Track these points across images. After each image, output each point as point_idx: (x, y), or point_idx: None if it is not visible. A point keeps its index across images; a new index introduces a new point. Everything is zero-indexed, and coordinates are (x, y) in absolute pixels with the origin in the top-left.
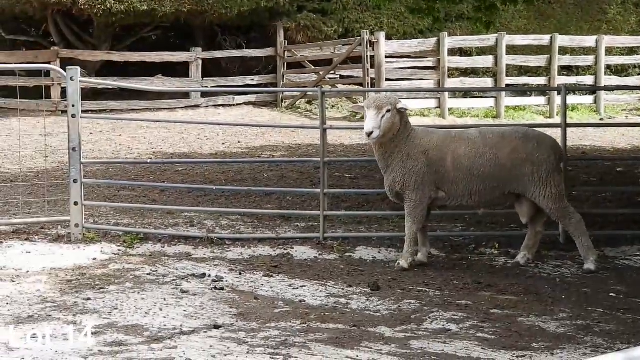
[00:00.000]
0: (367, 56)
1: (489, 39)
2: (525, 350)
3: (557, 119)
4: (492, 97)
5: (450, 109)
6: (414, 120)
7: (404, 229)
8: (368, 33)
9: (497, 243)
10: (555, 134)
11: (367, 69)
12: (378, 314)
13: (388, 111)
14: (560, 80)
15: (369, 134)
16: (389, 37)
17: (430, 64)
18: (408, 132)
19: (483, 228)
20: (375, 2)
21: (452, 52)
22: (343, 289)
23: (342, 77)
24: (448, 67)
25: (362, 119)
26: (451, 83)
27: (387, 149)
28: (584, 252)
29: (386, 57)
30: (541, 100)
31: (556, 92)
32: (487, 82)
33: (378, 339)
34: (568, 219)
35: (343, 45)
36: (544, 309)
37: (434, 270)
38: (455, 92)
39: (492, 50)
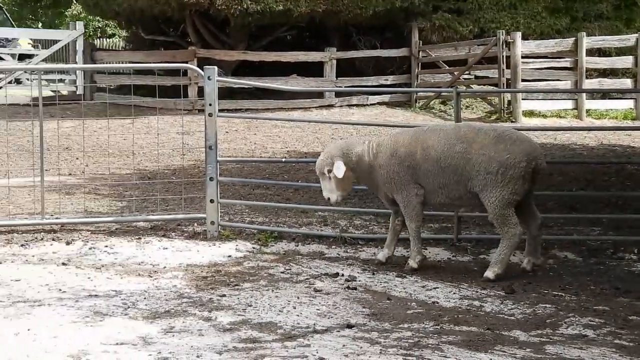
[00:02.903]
0: (502, 56)
1: (628, 39)
2: None
3: None
4: (631, 98)
5: (587, 111)
6: (550, 122)
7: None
8: (504, 33)
9: (636, 248)
10: None
11: (503, 69)
12: (512, 318)
13: (329, 171)
14: None
15: (329, 200)
16: (525, 37)
17: (567, 65)
18: (370, 157)
19: (621, 232)
20: (513, 0)
21: (590, 52)
22: (477, 292)
23: (476, 77)
24: (586, 68)
25: (496, 119)
26: (589, 84)
27: (364, 180)
28: (495, 260)
29: (522, 57)
30: None
31: None
32: (627, 83)
33: (512, 343)
34: (507, 227)
35: (478, 45)
36: None
37: (570, 275)
38: (593, 93)
39: (631, 51)
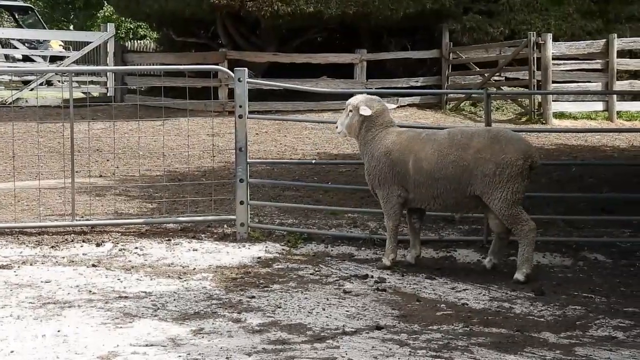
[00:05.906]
0: (533, 58)
1: None
2: None
3: None
4: None
5: (618, 112)
6: (580, 124)
7: (571, 234)
8: (535, 34)
9: None
10: None
11: (533, 71)
12: (542, 320)
13: (350, 111)
14: None
15: (337, 128)
16: (555, 39)
17: (598, 66)
18: (373, 134)
19: None
20: (545, 4)
21: (622, 54)
22: (506, 293)
23: (507, 79)
24: (617, 70)
25: (527, 121)
26: (620, 86)
27: (360, 149)
28: (520, 261)
29: (553, 58)
30: None
31: None
32: None
33: (542, 345)
34: (520, 225)
35: (509, 47)
36: None
37: (600, 277)
38: (624, 95)
39: None
